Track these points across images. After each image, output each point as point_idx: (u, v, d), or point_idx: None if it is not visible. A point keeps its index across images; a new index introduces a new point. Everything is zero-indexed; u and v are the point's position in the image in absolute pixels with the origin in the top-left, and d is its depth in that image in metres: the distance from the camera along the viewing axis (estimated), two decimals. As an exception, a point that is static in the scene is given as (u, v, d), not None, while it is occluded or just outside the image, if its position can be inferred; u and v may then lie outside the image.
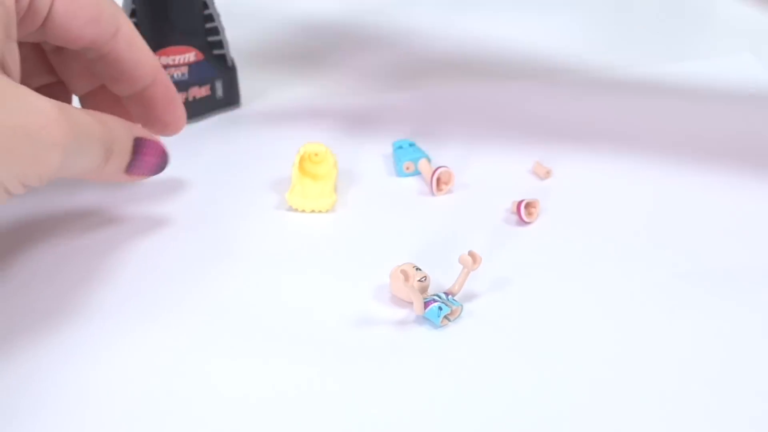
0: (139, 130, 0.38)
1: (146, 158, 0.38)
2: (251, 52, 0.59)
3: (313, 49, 0.61)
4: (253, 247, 0.40)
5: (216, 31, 0.51)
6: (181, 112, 0.42)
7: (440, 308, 0.35)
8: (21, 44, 0.36)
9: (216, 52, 0.51)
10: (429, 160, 0.45)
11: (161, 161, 0.39)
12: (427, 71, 0.57)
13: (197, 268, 0.39)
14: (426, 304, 0.35)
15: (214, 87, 0.52)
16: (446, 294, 0.36)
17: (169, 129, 0.42)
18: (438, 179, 0.43)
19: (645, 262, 0.39)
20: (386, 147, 0.48)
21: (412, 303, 0.36)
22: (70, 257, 0.39)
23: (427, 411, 0.32)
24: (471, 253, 0.36)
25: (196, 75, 0.51)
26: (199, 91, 0.51)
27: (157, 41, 0.48)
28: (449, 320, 0.36)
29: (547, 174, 0.45)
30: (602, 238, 0.41)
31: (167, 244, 0.40)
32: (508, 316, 0.36)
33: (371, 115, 0.52)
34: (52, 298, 0.37)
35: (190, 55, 0.50)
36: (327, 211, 0.43)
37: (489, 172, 0.46)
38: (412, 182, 0.45)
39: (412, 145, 0.46)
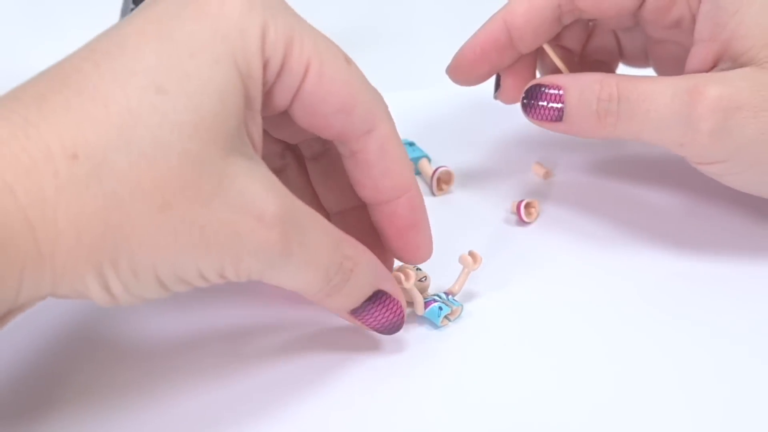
0: (387, 283, 0.33)
1: (377, 314, 0.33)
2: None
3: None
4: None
5: (215, 31, 0.51)
6: (424, 241, 0.35)
7: (440, 308, 0.35)
8: (274, 141, 0.35)
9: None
10: (429, 160, 0.45)
11: (391, 325, 0.34)
12: (427, 71, 0.57)
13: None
14: (426, 304, 0.35)
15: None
16: (446, 294, 0.36)
17: (407, 256, 0.35)
18: (438, 179, 0.43)
19: (645, 262, 0.39)
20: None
21: (411, 303, 0.35)
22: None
23: (427, 411, 0.32)
24: (471, 253, 0.36)
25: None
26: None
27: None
28: (449, 320, 0.36)
29: (547, 174, 0.45)
30: (602, 238, 0.40)
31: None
32: (508, 316, 0.36)
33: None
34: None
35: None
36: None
37: (489, 172, 0.46)
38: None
39: (412, 144, 0.46)
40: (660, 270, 0.38)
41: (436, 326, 0.35)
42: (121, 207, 0.26)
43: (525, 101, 0.39)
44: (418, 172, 0.45)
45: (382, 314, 0.33)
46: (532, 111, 0.38)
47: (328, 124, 0.31)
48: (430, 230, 0.35)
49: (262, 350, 0.34)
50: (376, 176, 0.33)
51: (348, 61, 0.31)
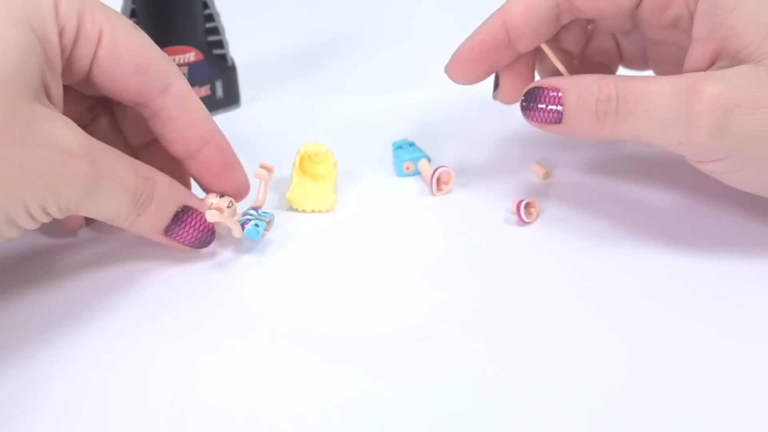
0: (189, 199, 0.37)
1: (187, 228, 0.37)
2: (251, 52, 0.59)
3: (313, 49, 0.61)
4: (253, 247, 0.40)
5: (216, 30, 0.51)
6: (240, 178, 0.39)
7: (257, 225, 0.38)
8: (83, 97, 0.38)
9: (216, 52, 0.51)
10: (429, 160, 0.45)
11: (203, 237, 0.38)
12: (427, 71, 0.57)
13: (196, 269, 0.39)
14: (242, 226, 0.38)
15: (214, 87, 0.52)
16: (255, 209, 0.40)
17: (228, 194, 0.39)
18: (438, 179, 0.43)
19: (645, 261, 0.39)
20: (386, 147, 0.48)
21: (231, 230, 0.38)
22: (71, 259, 0.39)
23: (428, 413, 0.32)
24: (263, 165, 0.40)
25: (195, 75, 0.51)
26: (199, 92, 0.51)
27: (157, 41, 0.48)
28: (267, 231, 0.39)
29: (547, 174, 0.45)
30: (602, 238, 0.41)
31: (165, 252, 0.40)
32: (507, 316, 0.36)
33: (371, 115, 0.52)
34: (52, 302, 0.37)
35: (190, 55, 0.50)
36: (327, 211, 0.43)
37: (489, 172, 0.46)
38: (412, 182, 0.45)
39: (412, 144, 0.46)
40: (660, 269, 0.38)
41: (258, 241, 0.39)
42: None
43: (524, 104, 0.39)
44: (417, 172, 0.45)
45: (193, 227, 0.37)
46: (532, 114, 0.38)
47: (126, 85, 0.35)
48: (242, 166, 0.39)
49: (259, 351, 0.35)
50: (181, 129, 0.37)
51: (137, 28, 0.36)
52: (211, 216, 0.37)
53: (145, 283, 0.38)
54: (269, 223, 0.39)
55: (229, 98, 0.53)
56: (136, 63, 0.35)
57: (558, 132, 0.39)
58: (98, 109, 0.40)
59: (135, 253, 0.40)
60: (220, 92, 0.52)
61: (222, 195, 0.39)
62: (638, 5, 0.39)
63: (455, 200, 0.44)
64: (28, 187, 0.31)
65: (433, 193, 0.44)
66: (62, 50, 0.33)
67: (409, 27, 0.64)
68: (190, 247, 0.38)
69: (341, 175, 0.45)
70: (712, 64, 0.37)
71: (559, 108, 0.37)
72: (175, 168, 0.39)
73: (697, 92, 0.34)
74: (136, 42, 0.35)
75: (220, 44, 0.51)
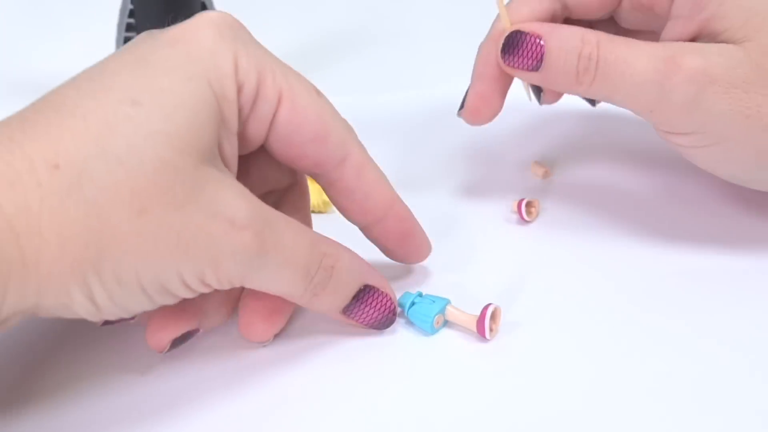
0: (373, 278, 0.34)
1: (367, 309, 0.34)
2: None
3: (313, 50, 0.61)
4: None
5: (215, 31, 0.51)
6: (421, 243, 0.37)
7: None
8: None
9: (215, 52, 0.51)
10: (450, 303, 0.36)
11: (384, 319, 0.34)
12: (426, 70, 0.57)
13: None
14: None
15: (213, 87, 0.52)
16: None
17: (407, 260, 0.38)
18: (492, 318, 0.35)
19: (647, 259, 0.39)
20: (386, 147, 0.48)
21: None
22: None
23: (421, 413, 0.32)
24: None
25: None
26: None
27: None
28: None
29: (546, 174, 0.45)
30: (602, 237, 0.40)
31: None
32: (508, 314, 0.36)
33: (371, 115, 0.52)
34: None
35: (189, 56, 0.50)
36: (327, 212, 0.43)
37: (489, 171, 0.46)
38: (412, 182, 0.45)
39: (420, 295, 0.36)
40: (661, 267, 0.38)
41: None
42: (101, 214, 0.27)
43: (504, 47, 0.38)
44: (445, 323, 0.36)
45: (373, 309, 0.34)
46: (510, 58, 0.38)
47: (303, 153, 0.33)
48: (423, 232, 0.37)
49: (260, 351, 0.34)
50: (359, 200, 0.35)
51: (318, 92, 0.33)
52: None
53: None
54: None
55: (229, 99, 0.53)
56: (316, 131, 0.32)
57: (533, 80, 0.39)
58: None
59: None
60: (219, 93, 0.52)
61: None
62: None
63: (456, 199, 0.44)
64: (184, 257, 0.28)
65: (487, 338, 0.35)
66: (240, 109, 0.31)
67: (409, 27, 0.64)
68: (369, 327, 0.35)
69: (341, 175, 0.45)
70: (690, 42, 0.37)
71: (540, 54, 0.37)
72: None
73: (675, 63, 0.35)
74: (317, 108, 0.33)
75: (219, 44, 0.51)
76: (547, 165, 0.45)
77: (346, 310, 0.34)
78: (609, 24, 0.42)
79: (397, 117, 0.52)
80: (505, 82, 0.40)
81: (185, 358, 0.34)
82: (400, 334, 0.35)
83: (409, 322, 0.35)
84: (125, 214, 0.27)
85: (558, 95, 0.42)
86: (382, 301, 0.34)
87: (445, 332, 0.35)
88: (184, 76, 0.29)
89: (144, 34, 0.31)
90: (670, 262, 0.39)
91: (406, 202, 0.44)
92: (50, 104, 0.28)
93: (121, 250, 0.27)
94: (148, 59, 0.29)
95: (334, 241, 0.33)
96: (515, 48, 0.38)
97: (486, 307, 0.34)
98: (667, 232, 0.40)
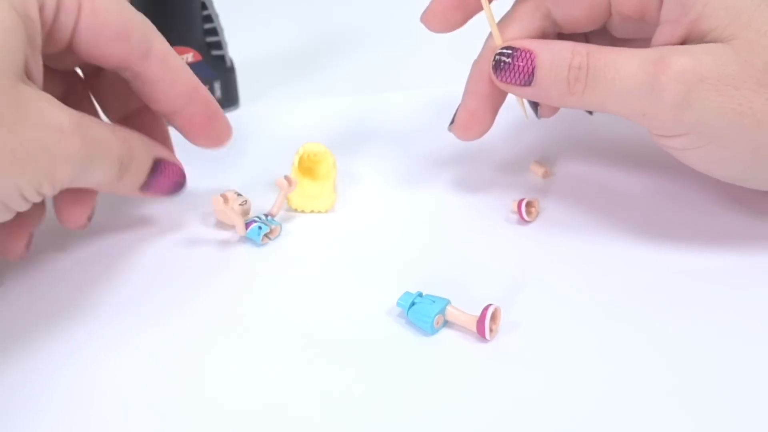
0: (161, 151, 0.38)
1: (162, 179, 0.38)
2: (250, 52, 0.59)
3: (313, 50, 0.61)
4: (253, 247, 0.40)
5: (215, 31, 0.51)
6: (223, 126, 0.40)
7: (260, 228, 0.39)
8: (55, 71, 0.38)
9: (215, 52, 0.51)
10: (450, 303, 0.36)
11: (177, 185, 0.39)
12: (426, 70, 0.57)
13: (196, 269, 0.39)
14: (247, 225, 0.39)
15: (213, 88, 0.52)
16: (266, 215, 0.40)
17: (211, 144, 0.40)
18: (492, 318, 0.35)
19: (647, 259, 0.39)
20: (386, 147, 0.48)
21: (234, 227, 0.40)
22: (70, 258, 0.39)
23: (421, 413, 0.32)
24: (287, 177, 0.41)
25: (194, 76, 0.51)
26: (198, 92, 0.51)
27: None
28: (270, 239, 0.40)
29: (546, 173, 0.45)
30: (602, 236, 0.40)
31: (166, 245, 0.40)
32: (509, 314, 0.36)
33: (371, 115, 0.52)
34: (51, 300, 0.37)
35: (189, 56, 0.50)
36: (326, 211, 0.43)
37: (489, 171, 0.46)
38: (412, 182, 0.45)
39: (420, 295, 0.36)
40: (661, 266, 0.38)
41: (258, 245, 0.39)
42: None
43: (496, 63, 0.38)
44: (445, 323, 0.36)
45: (166, 178, 0.38)
46: (503, 74, 0.38)
47: (108, 52, 0.36)
48: (225, 116, 0.40)
49: (259, 351, 0.34)
50: (165, 89, 0.37)
51: None
52: (216, 202, 0.39)
53: (144, 283, 0.38)
54: (273, 230, 0.40)
55: (228, 99, 0.53)
56: (117, 30, 0.35)
57: (526, 95, 0.39)
58: (69, 80, 0.40)
59: (132, 252, 0.40)
60: (218, 93, 0.52)
61: (239, 194, 0.41)
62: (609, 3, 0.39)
63: (456, 199, 0.44)
64: (21, 171, 0.31)
65: (487, 338, 0.34)
66: (42, 25, 0.33)
67: (409, 27, 0.64)
68: (164, 196, 0.39)
69: (340, 175, 0.45)
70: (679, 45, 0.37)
71: (531, 69, 0.37)
72: (155, 132, 0.40)
73: (663, 64, 0.35)
74: (116, 8, 0.35)
75: (219, 45, 0.51)
76: (547, 165, 0.45)
77: (144, 186, 0.38)
78: (603, 36, 0.42)
79: (397, 117, 0.52)
80: (497, 100, 0.41)
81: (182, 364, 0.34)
82: (400, 334, 0.35)
83: (409, 322, 0.35)
84: None
85: (554, 109, 0.42)
86: (172, 170, 0.38)
87: (445, 332, 0.35)
88: None
89: None
90: (670, 261, 0.39)
91: (406, 202, 0.44)
92: None
93: None
94: None
95: (124, 127, 0.37)
96: (507, 64, 0.38)
97: (486, 308, 0.34)
98: (666, 231, 0.40)
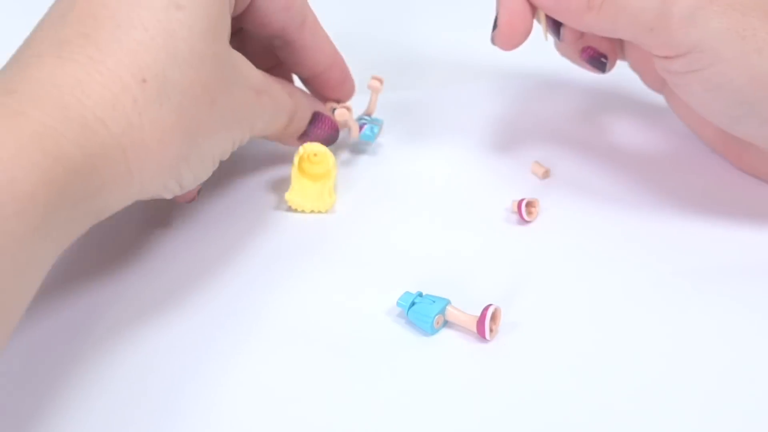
0: (318, 105, 0.43)
1: (319, 130, 0.42)
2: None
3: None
4: (253, 247, 0.40)
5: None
6: (352, 85, 0.45)
7: (372, 129, 0.45)
8: None
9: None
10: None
11: (333, 134, 0.43)
12: (426, 70, 0.57)
13: (197, 269, 0.39)
14: (359, 128, 0.45)
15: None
16: (367, 115, 0.46)
17: (343, 98, 0.45)
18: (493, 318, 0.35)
19: (646, 260, 0.39)
20: (386, 146, 0.48)
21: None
22: (70, 258, 0.39)
23: (421, 413, 0.32)
24: (376, 77, 0.45)
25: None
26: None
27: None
28: (378, 135, 0.46)
29: (546, 174, 0.45)
30: (602, 237, 0.40)
31: (166, 245, 0.40)
32: (507, 315, 0.36)
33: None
34: (53, 297, 0.37)
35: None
36: (326, 212, 0.43)
37: (489, 170, 0.46)
38: (412, 181, 0.45)
39: (420, 295, 0.36)
40: (663, 267, 0.38)
41: (371, 143, 0.46)
42: (188, 114, 0.32)
43: None
44: (445, 323, 0.36)
45: (323, 129, 0.43)
46: None
47: (272, 21, 0.39)
48: (352, 79, 0.45)
49: (260, 351, 0.34)
50: (312, 56, 0.42)
51: None
52: (340, 115, 0.43)
53: (140, 281, 0.38)
54: (381, 127, 0.46)
55: (229, 99, 0.53)
56: (284, 2, 0.39)
57: (543, 4, 0.39)
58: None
59: (135, 247, 0.40)
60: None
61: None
62: None
63: (456, 199, 0.44)
64: (237, 127, 0.36)
65: (487, 338, 0.35)
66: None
67: (410, 27, 0.64)
68: (320, 141, 0.42)
69: (340, 176, 0.45)
70: None
71: None
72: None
73: None
74: None
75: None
76: (546, 165, 0.45)
77: (303, 135, 0.42)
78: None
79: (396, 116, 0.52)
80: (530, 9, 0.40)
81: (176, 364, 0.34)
82: (400, 334, 0.35)
83: (409, 322, 0.35)
84: (204, 108, 0.33)
85: (574, 34, 0.41)
86: (327, 122, 0.43)
87: (445, 332, 0.35)
88: None
89: None
90: (671, 261, 0.39)
91: (406, 201, 0.44)
92: (100, 17, 0.32)
93: (204, 138, 0.34)
94: None
95: (289, 83, 0.41)
96: None
97: (486, 308, 0.34)
98: (667, 232, 0.40)
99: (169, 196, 0.35)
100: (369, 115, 0.47)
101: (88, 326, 0.36)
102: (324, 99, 0.45)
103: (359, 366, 0.34)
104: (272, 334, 0.35)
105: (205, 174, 0.36)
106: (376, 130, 0.46)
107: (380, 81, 0.46)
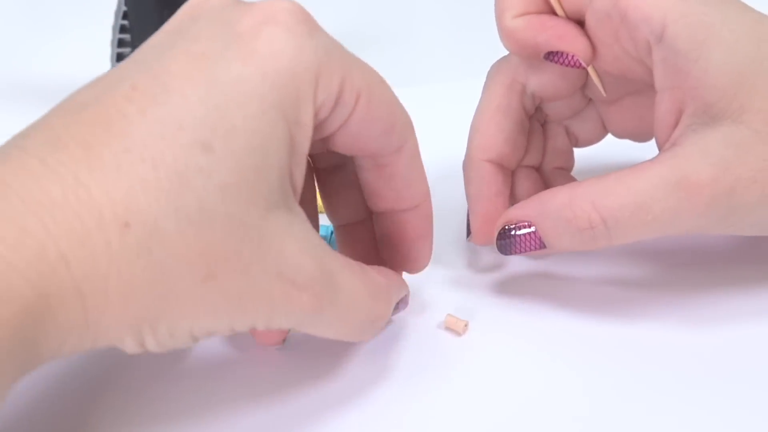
0: (404, 291, 0.34)
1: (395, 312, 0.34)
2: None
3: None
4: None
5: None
6: (428, 251, 0.36)
7: None
8: None
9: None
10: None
11: (399, 311, 0.35)
12: (427, 70, 0.57)
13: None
14: None
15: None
16: None
17: (409, 267, 0.36)
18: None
19: (644, 258, 0.39)
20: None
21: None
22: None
23: (415, 416, 0.32)
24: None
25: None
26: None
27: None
28: None
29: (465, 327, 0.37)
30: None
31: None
32: (508, 314, 0.36)
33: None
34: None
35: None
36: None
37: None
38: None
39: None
40: (658, 265, 0.39)
41: None
42: (168, 278, 0.25)
43: (500, 244, 0.36)
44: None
45: (398, 310, 0.34)
46: (511, 249, 0.35)
47: (368, 146, 0.31)
48: (432, 243, 0.35)
49: (259, 349, 0.34)
50: (399, 187, 0.33)
51: (385, 83, 0.31)
52: None
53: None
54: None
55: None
56: (385, 125, 0.31)
57: (549, 253, 0.37)
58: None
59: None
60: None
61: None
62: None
63: (455, 197, 0.44)
64: (240, 315, 0.27)
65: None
66: (315, 128, 0.29)
67: (409, 27, 0.64)
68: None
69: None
70: (680, 114, 0.34)
71: (538, 242, 0.35)
72: (375, 251, 0.36)
73: (691, 185, 0.32)
74: (388, 99, 0.31)
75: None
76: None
77: None
78: (590, 111, 0.40)
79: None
80: (505, 200, 0.39)
81: (189, 368, 0.34)
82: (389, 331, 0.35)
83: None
84: (191, 279, 0.26)
85: (488, 239, 0.38)
86: (402, 308, 0.34)
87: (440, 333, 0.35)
88: (258, 109, 0.26)
89: (205, 20, 0.28)
90: (670, 258, 0.39)
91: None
92: (113, 131, 0.26)
93: (181, 313, 0.26)
94: (218, 78, 0.26)
95: (384, 281, 0.32)
96: (510, 244, 0.35)
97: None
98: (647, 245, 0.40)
99: (128, 352, 0.27)
100: None
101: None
102: (392, 255, 0.35)
103: (356, 367, 0.33)
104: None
105: (177, 346, 0.28)
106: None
107: None
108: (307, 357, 0.34)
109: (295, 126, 0.27)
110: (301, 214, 0.28)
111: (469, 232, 0.39)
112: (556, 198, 0.34)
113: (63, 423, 0.31)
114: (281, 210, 0.27)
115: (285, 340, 0.34)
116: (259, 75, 0.27)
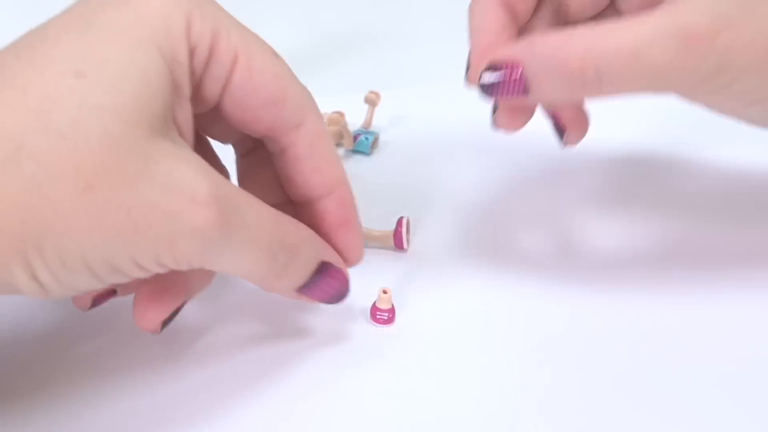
0: (329, 254, 0.32)
1: (324, 286, 0.32)
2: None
3: (314, 49, 0.61)
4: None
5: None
6: (356, 241, 0.34)
7: (366, 138, 0.46)
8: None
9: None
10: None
11: (339, 295, 0.33)
12: (427, 70, 0.57)
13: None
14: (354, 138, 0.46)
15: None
16: (363, 128, 0.47)
17: (335, 257, 0.33)
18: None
19: (640, 256, 0.39)
20: (386, 145, 0.48)
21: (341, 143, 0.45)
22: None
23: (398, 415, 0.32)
24: (373, 92, 0.46)
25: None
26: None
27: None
28: (374, 149, 0.46)
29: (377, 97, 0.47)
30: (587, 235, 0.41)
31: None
32: (505, 312, 0.36)
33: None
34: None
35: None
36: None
37: (489, 170, 0.46)
38: (412, 180, 0.45)
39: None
40: (653, 264, 0.38)
41: (367, 154, 0.46)
42: (41, 190, 0.25)
43: (483, 85, 0.34)
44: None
45: (329, 285, 0.32)
46: (493, 91, 0.34)
47: (257, 117, 0.31)
48: (361, 229, 0.34)
49: (260, 348, 0.34)
50: (306, 172, 0.32)
51: (275, 54, 0.31)
52: (332, 121, 0.42)
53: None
54: (376, 139, 0.46)
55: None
56: (272, 94, 0.30)
57: (527, 103, 0.36)
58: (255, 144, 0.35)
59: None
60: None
61: (336, 112, 0.45)
62: None
63: (455, 198, 0.44)
64: (135, 236, 0.26)
65: (405, 249, 0.39)
66: (192, 72, 0.29)
67: (409, 27, 0.64)
68: (322, 302, 0.33)
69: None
70: None
71: (522, 80, 0.33)
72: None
73: (691, 36, 0.31)
74: (275, 70, 0.31)
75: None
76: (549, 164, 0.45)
77: (302, 289, 0.32)
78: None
79: (396, 116, 0.52)
80: (509, 40, 0.36)
81: (176, 365, 0.34)
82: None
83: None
84: (68, 190, 0.25)
85: (513, 123, 0.37)
86: (337, 276, 0.32)
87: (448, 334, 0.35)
88: (131, 43, 0.27)
89: None
90: (669, 256, 0.39)
91: (403, 198, 0.44)
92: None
93: (63, 228, 0.25)
94: (92, 23, 0.27)
95: (293, 219, 0.31)
96: (495, 86, 0.33)
97: (400, 220, 0.38)
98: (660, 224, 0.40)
99: (31, 295, 0.27)
100: (366, 128, 0.46)
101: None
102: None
103: (353, 366, 0.34)
104: (270, 331, 0.35)
105: (78, 281, 0.27)
106: (370, 140, 0.46)
107: (377, 95, 0.44)
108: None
109: (174, 63, 0.28)
110: (190, 149, 0.28)
111: (494, 111, 0.37)
112: (550, 39, 0.33)
113: (59, 421, 0.31)
114: (168, 140, 0.27)
115: (166, 324, 0.32)
116: (131, 15, 0.28)
